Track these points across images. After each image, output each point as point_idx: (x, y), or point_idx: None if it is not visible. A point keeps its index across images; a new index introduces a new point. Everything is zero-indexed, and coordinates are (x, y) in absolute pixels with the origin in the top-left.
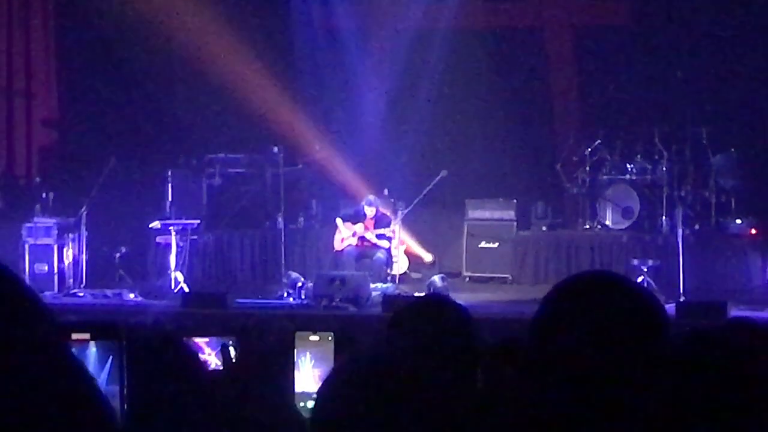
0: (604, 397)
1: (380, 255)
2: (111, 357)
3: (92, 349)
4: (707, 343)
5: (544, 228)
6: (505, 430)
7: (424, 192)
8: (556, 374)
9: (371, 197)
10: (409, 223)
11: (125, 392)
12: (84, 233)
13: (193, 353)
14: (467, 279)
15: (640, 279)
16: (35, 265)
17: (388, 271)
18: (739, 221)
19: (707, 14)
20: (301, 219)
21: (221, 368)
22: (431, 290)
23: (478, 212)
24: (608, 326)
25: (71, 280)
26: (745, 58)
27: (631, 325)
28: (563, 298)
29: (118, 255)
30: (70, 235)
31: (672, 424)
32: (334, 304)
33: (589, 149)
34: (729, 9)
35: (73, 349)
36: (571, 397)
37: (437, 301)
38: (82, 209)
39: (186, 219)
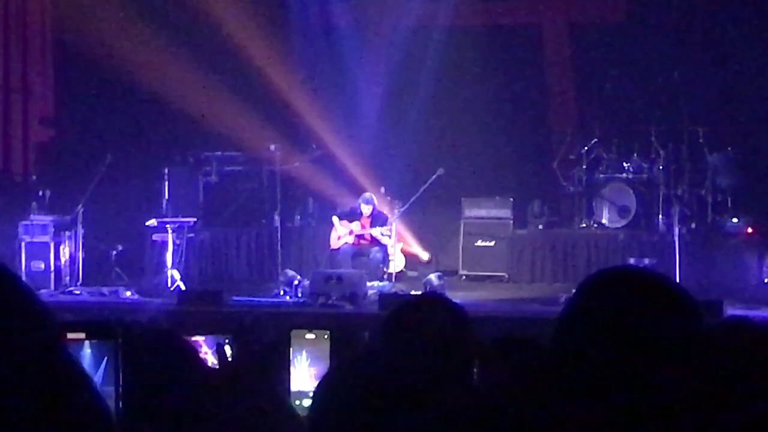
0: (636, 397)
1: (377, 253)
2: (106, 358)
3: (87, 350)
4: (706, 343)
5: (540, 226)
6: (502, 429)
7: (421, 190)
8: (584, 374)
9: (368, 195)
10: (405, 221)
11: (120, 393)
12: (80, 231)
13: (193, 348)
14: (463, 277)
15: None
16: (32, 263)
17: (385, 269)
18: (735, 220)
19: (704, 13)
20: (298, 217)
21: (217, 367)
22: (427, 288)
23: (475, 210)
24: (640, 323)
25: (68, 278)
26: (741, 57)
27: (666, 318)
28: (589, 297)
29: (114, 253)
30: (67, 233)
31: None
32: (330, 302)
33: (586, 148)
34: (726, 8)
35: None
36: (603, 397)
37: (433, 299)
38: (79, 207)
39: (182, 217)
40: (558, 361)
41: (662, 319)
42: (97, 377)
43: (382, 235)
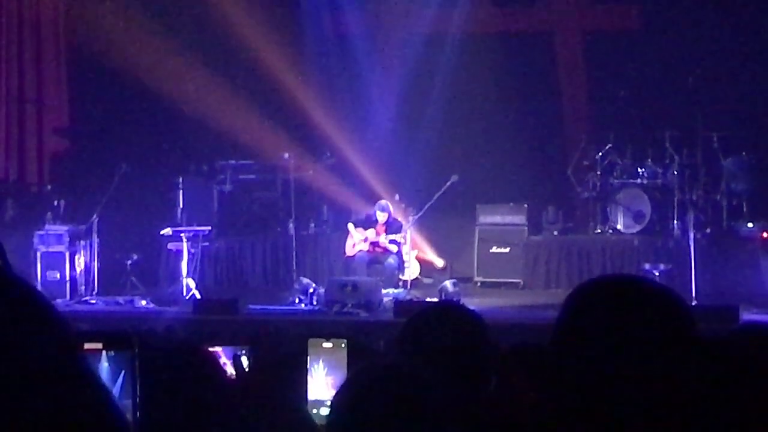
0: (629, 401)
1: (392, 260)
2: (123, 371)
3: (104, 363)
4: (722, 350)
5: (555, 232)
6: None
7: (435, 197)
8: (579, 379)
9: (383, 202)
10: (420, 229)
11: (138, 405)
12: (95, 240)
13: (212, 359)
14: (478, 284)
15: None
16: (47, 273)
17: (400, 276)
18: (750, 225)
19: (717, 18)
20: (312, 225)
21: (234, 378)
22: (443, 295)
23: (489, 217)
24: (633, 329)
25: (83, 288)
26: (755, 61)
27: (657, 326)
28: (586, 302)
29: (129, 262)
30: (82, 243)
31: (700, 427)
32: (345, 309)
33: (600, 153)
34: (739, 13)
35: None
36: (595, 401)
37: (450, 307)
38: (94, 216)
39: (197, 225)
40: (556, 370)
41: (652, 325)
42: (115, 390)
43: (390, 242)
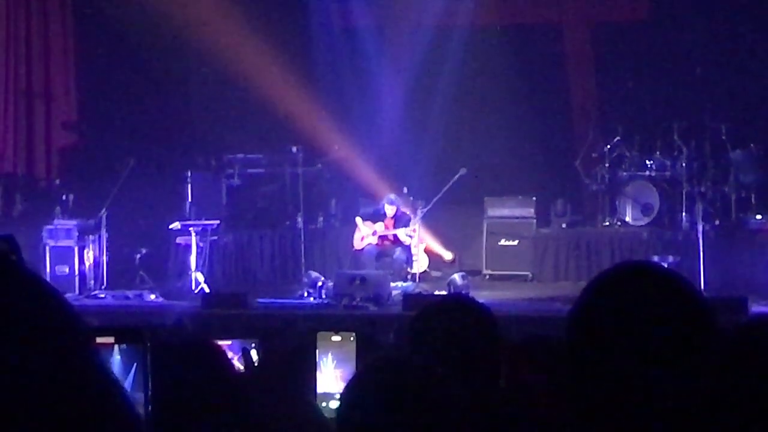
0: (646, 392)
1: (400, 254)
2: (135, 364)
3: (116, 356)
4: (731, 342)
5: (563, 225)
6: (529, 428)
7: (444, 190)
8: (597, 369)
9: (392, 196)
10: (428, 222)
11: (149, 398)
12: (104, 235)
13: (221, 353)
14: (487, 277)
15: None
16: (56, 267)
17: (408, 269)
18: (759, 217)
19: (725, 9)
20: (321, 218)
21: (243, 371)
22: (451, 288)
23: (498, 210)
24: (652, 318)
25: (92, 282)
26: (764, 53)
27: (676, 316)
28: (603, 291)
29: (138, 256)
30: (91, 237)
31: (713, 419)
32: (354, 303)
33: (608, 146)
34: (747, 3)
35: None
36: (614, 392)
37: (459, 300)
38: (102, 211)
39: (206, 219)
40: (570, 360)
41: (670, 315)
42: (127, 383)
43: (406, 235)
